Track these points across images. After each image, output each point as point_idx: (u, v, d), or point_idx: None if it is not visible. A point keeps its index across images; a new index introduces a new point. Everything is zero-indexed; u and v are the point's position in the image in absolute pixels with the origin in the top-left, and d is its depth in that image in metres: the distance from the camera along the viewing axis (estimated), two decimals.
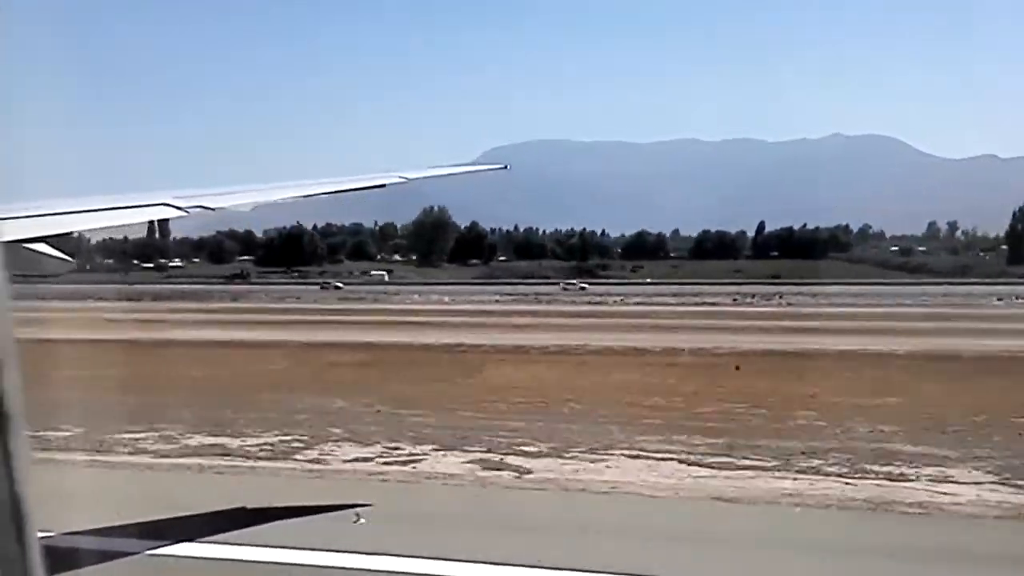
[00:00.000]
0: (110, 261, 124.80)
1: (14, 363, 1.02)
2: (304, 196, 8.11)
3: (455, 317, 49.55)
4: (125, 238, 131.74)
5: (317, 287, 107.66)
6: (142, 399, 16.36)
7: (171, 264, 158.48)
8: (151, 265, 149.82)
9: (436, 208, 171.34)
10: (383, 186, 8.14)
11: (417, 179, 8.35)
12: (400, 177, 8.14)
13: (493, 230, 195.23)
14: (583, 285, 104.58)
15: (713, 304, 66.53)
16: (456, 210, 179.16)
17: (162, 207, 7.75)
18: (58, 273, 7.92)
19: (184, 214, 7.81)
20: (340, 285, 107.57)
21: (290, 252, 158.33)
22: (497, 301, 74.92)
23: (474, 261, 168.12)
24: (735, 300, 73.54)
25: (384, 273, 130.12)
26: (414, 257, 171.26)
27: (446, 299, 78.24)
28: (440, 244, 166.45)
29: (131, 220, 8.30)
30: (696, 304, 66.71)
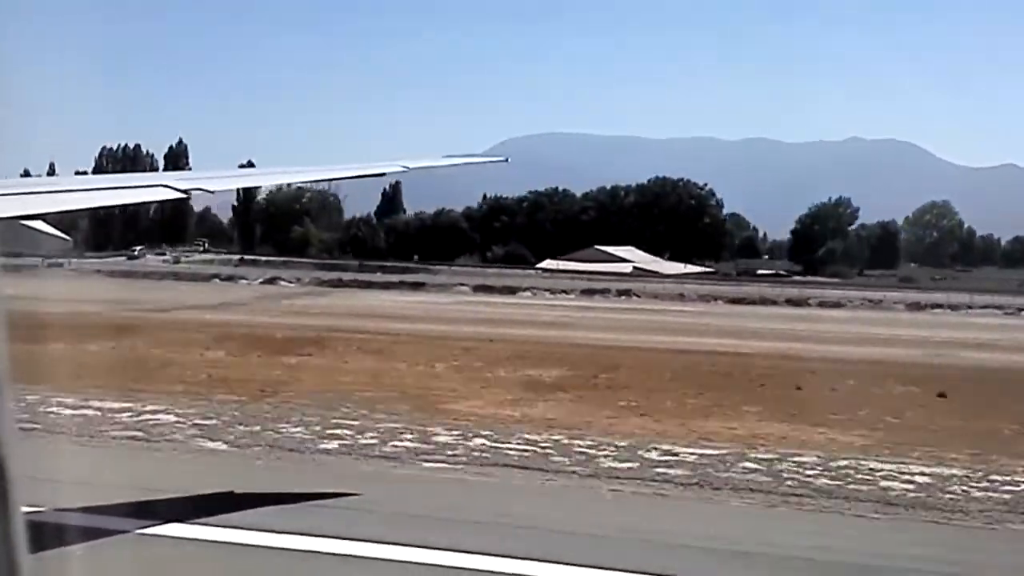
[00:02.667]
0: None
1: None
2: (304, 182, 8.08)
3: None
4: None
5: None
6: None
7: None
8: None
9: (833, 199, 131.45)
10: (383, 174, 8.10)
11: (418, 168, 8.29)
12: (401, 166, 8.10)
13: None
14: None
15: None
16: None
17: (161, 188, 7.76)
18: (54, 251, 7.95)
19: (184, 196, 7.83)
20: None
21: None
22: None
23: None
24: None
25: None
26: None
27: None
28: (832, 246, 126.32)
29: (130, 200, 8.33)
30: None
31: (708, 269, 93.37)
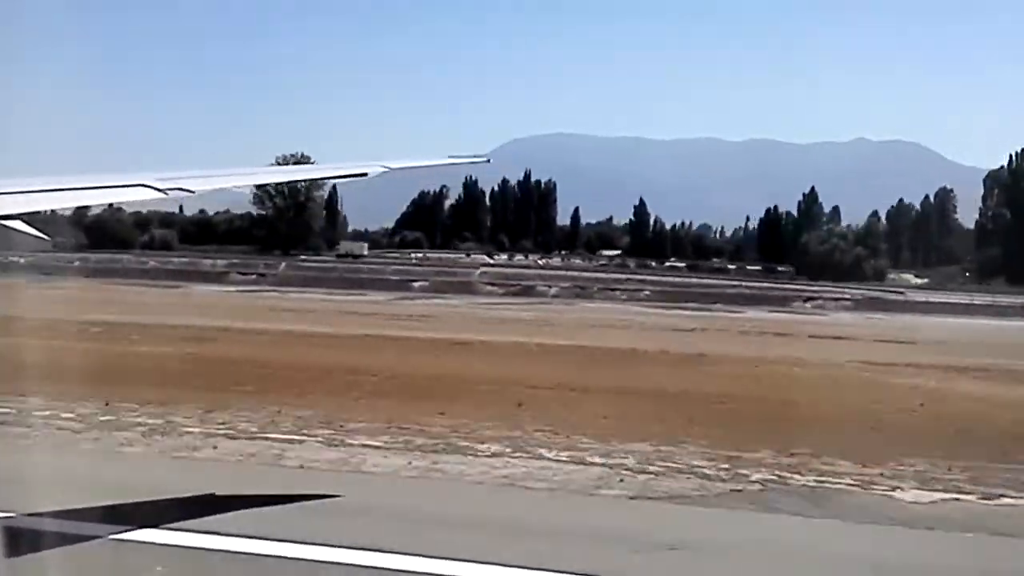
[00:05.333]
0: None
1: None
2: (284, 182, 8.02)
3: None
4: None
5: None
6: None
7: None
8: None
9: None
10: (364, 175, 8.00)
11: (399, 168, 8.19)
12: (382, 166, 7.99)
13: None
14: None
15: None
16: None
17: (140, 188, 7.69)
18: (33, 250, 7.91)
19: (163, 196, 7.76)
20: None
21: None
22: None
23: None
24: None
25: None
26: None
27: None
28: None
29: (108, 200, 8.26)
30: None
31: None
